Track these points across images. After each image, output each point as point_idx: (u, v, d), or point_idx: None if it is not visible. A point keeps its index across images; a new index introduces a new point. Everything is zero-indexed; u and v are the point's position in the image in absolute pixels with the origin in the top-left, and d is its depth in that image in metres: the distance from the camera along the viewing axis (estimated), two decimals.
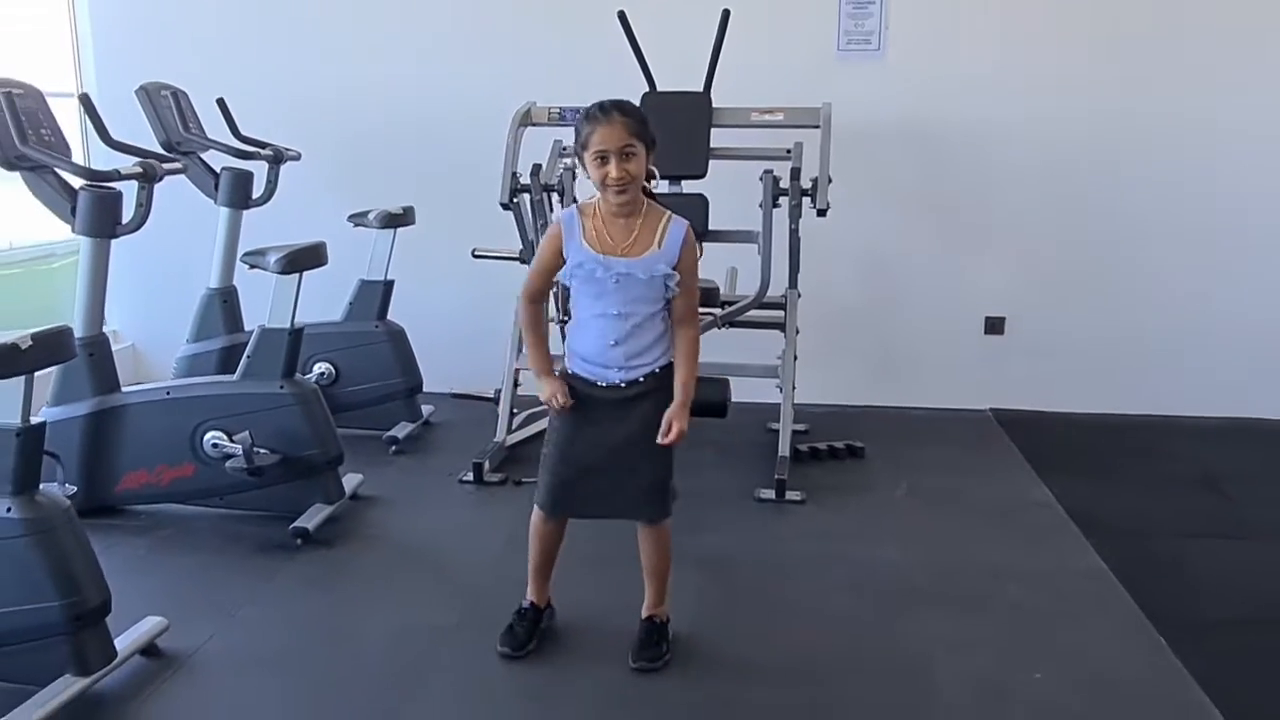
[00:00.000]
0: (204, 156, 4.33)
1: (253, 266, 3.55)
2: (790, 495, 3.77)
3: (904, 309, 4.89)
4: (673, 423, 2.54)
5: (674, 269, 2.48)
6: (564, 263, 2.52)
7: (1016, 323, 4.87)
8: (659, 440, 2.54)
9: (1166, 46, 4.60)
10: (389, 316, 4.43)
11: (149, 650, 2.67)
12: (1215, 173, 4.68)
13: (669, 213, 2.54)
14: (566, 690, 2.59)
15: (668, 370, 2.58)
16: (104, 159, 3.92)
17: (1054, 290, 4.82)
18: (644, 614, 2.75)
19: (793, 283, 4.20)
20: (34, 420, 2.40)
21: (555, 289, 4.15)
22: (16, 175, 3.35)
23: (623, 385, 2.56)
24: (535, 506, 2.71)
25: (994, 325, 4.88)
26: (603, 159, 2.41)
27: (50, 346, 2.37)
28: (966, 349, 4.89)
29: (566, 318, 4.23)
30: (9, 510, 2.36)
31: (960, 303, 4.86)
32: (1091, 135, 4.69)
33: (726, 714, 2.50)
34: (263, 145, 4.38)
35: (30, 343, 2.30)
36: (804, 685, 2.60)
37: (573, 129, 4.30)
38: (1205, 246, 4.72)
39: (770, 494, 3.78)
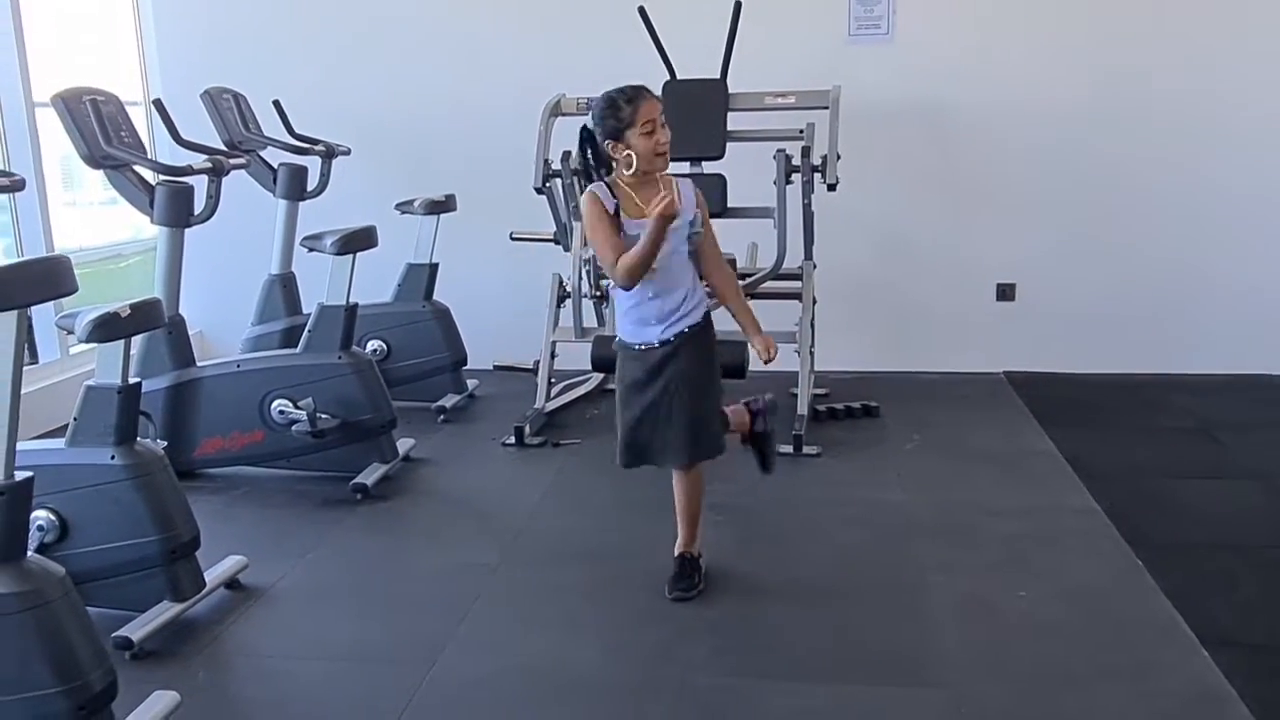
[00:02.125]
0: (263, 154, 4.72)
1: (311, 249, 3.91)
2: (807, 449, 4.07)
3: (918, 279, 5.15)
4: (758, 339, 2.90)
5: (695, 209, 2.84)
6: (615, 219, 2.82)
7: (1027, 289, 5.12)
8: (765, 361, 2.88)
9: (1169, 21, 4.83)
10: (435, 297, 4.78)
11: (232, 584, 3.05)
12: (1213, 144, 4.89)
13: (671, 176, 2.87)
14: (596, 613, 2.93)
15: (701, 325, 2.89)
16: (171, 159, 4.30)
17: (1062, 257, 5.06)
18: (677, 550, 3.06)
19: (808, 254, 4.48)
20: (131, 380, 2.78)
21: (587, 267, 4.51)
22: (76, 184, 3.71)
23: (657, 345, 2.87)
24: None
25: (1005, 292, 5.13)
26: (651, 129, 2.76)
27: (145, 315, 2.73)
28: (980, 315, 5.15)
29: (599, 293, 4.58)
30: (113, 458, 2.73)
31: (972, 271, 5.12)
32: (1094, 107, 4.92)
33: (740, 627, 2.81)
34: (316, 142, 4.76)
35: (129, 312, 2.67)
36: (811, 603, 2.92)
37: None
38: (1205, 214, 4.94)
39: (788, 448, 4.07)
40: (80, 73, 3.99)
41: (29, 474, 2.18)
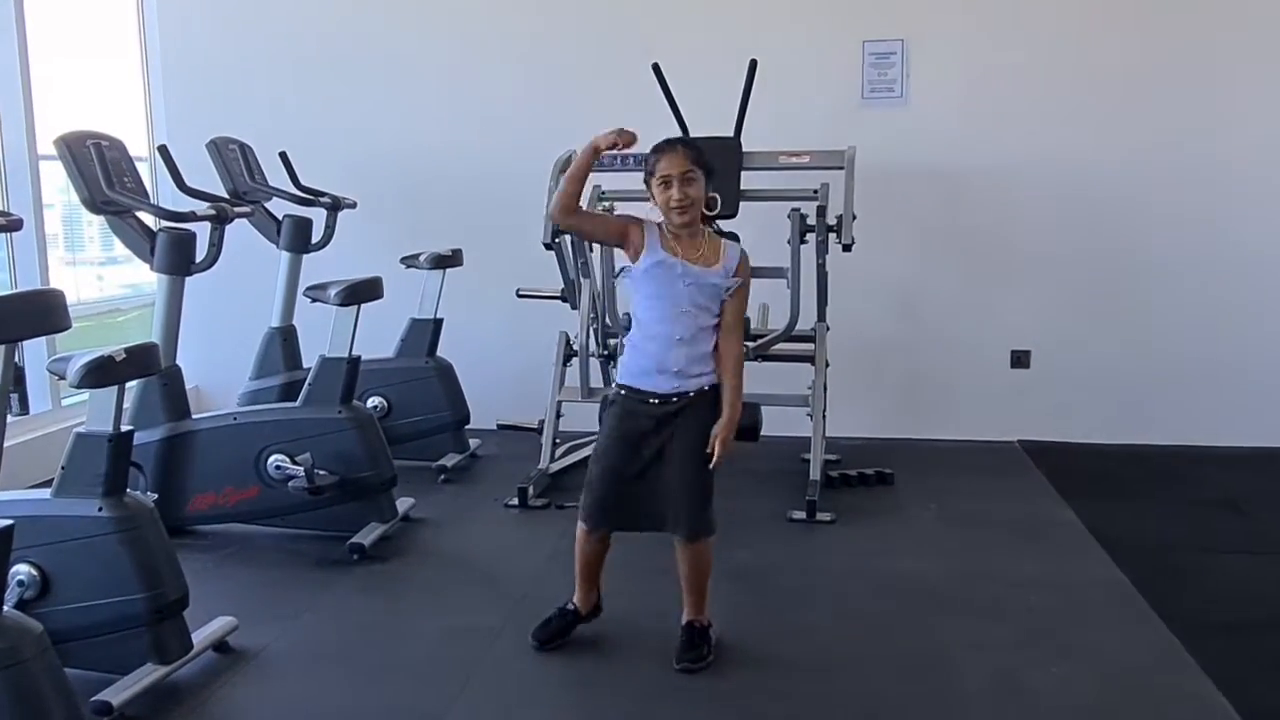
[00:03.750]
0: (268, 206, 4.65)
1: (314, 300, 3.81)
2: (821, 516, 3.93)
3: (931, 344, 5.06)
4: (719, 436, 2.74)
5: (732, 278, 2.77)
6: (629, 241, 2.78)
7: (1043, 356, 5.02)
8: (709, 452, 2.73)
9: (1190, 83, 4.81)
10: (438, 353, 4.68)
11: (220, 646, 2.88)
12: (1236, 208, 4.85)
13: (725, 240, 2.84)
14: (605, 685, 2.76)
15: (711, 392, 2.78)
16: (174, 207, 4.22)
17: (1079, 324, 4.97)
18: (684, 619, 2.90)
19: (821, 315, 4.39)
20: (124, 429, 2.65)
21: (595, 324, 4.41)
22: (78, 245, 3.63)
23: (672, 398, 2.76)
24: (580, 521, 2.90)
25: (1020, 359, 5.03)
26: (666, 183, 2.72)
27: (141, 360, 2.63)
28: (994, 382, 5.05)
29: (606, 352, 4.48)
30: (100, 510, 2.60)
31: (987, 337, 5.03)
32: (1113, 170, 4.88)
33: (756, 702, 2.65)
34: (321, 194, 4.69)
35: (124, 356, 2.56)
36: (829, 676, 2.76)
37: (610, 173, 4.64)
38: (1227, 280, 4.87)
39: (801, 514, 3.94)
40: (86, 122, 3.94)
41: (9, 523, 2.03)
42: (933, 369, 5.08)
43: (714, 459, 2.74)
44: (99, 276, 6.43)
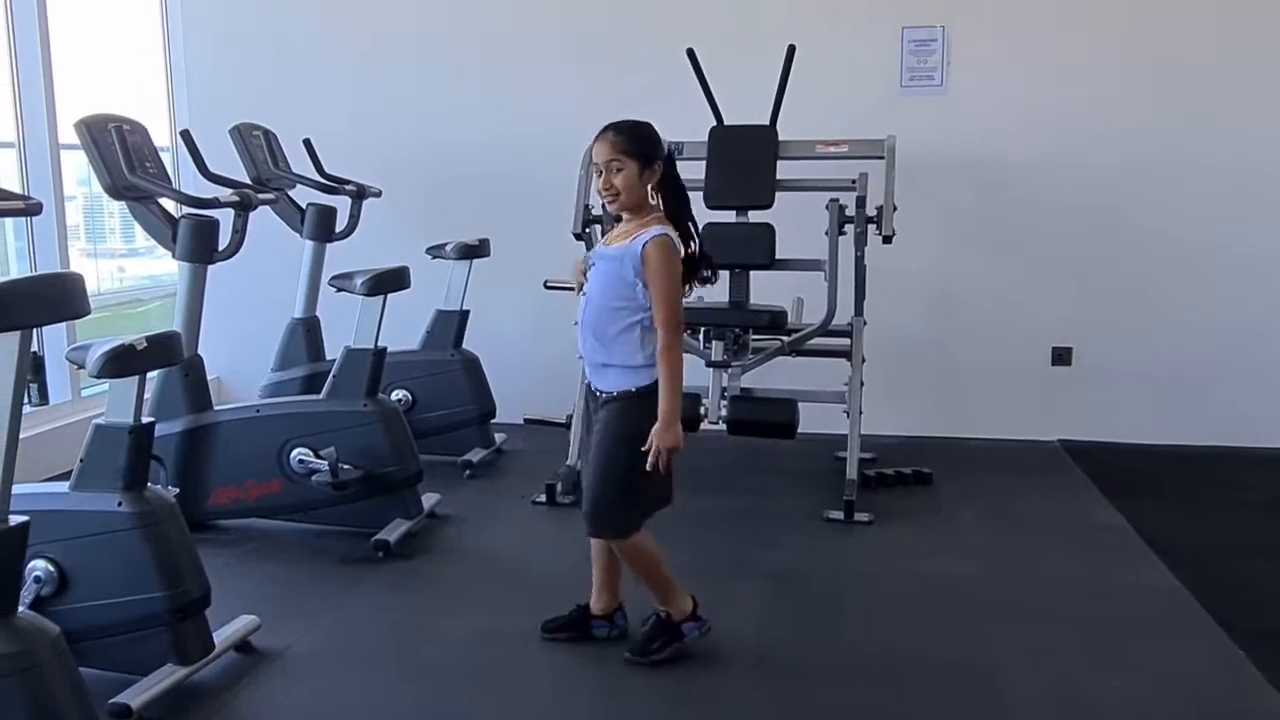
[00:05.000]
0: (291, 194, 4.55)
1: (340, 289, 3.71)
2: (858, 516, 3.80)
3: (970, 340, 4.92)
4: (653, 438, 2.56)
5: (638, 271, 2.56)
6: None
7: (1084, 354, 4.88)
8: (648, 463, 2.56)
9: (1232, 77, 4.65)
10: (464, 345, 4.57)
11: (243, 646, 2.78)
12: None
13: (659, 222, 2.62)
14: (637, 688, 2.65)
15: (625, 397, 2.63)
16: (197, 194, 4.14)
17: (1121, 321, 4.82)
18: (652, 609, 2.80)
19: (858, 310, 4.26)
20: (144, 420, 2.55)
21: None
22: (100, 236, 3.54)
23: (598, 393, 2.70)
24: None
25: (1061, 356, 4.89)
26: (597, 170, 2.64)
27: (163, 350, 2.53)
28: (1034, 380, 4.90)
29: None
30: (120, 504, 2.50)
31: (1026, 334, 4.88)
32: (1158, 165, 4.72)
33: (794, 711, 2.53)
34: (346, 182, 4.59)
35: (145, 345, 2.46)
36: (872, 685, 2.64)
37: None
38: (1276, 276, 4.70)
39: (838, 515, 3.81)
40: (108, 107, 3.87)
41: (24, 519, 1.93)
42: (971, 366, 4.93)
43: (651, 459, 2.57)
44: (120, 268, 6.39)
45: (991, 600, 3.14)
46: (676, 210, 2.69)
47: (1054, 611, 3.06)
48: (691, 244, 2.68)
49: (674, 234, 2.62)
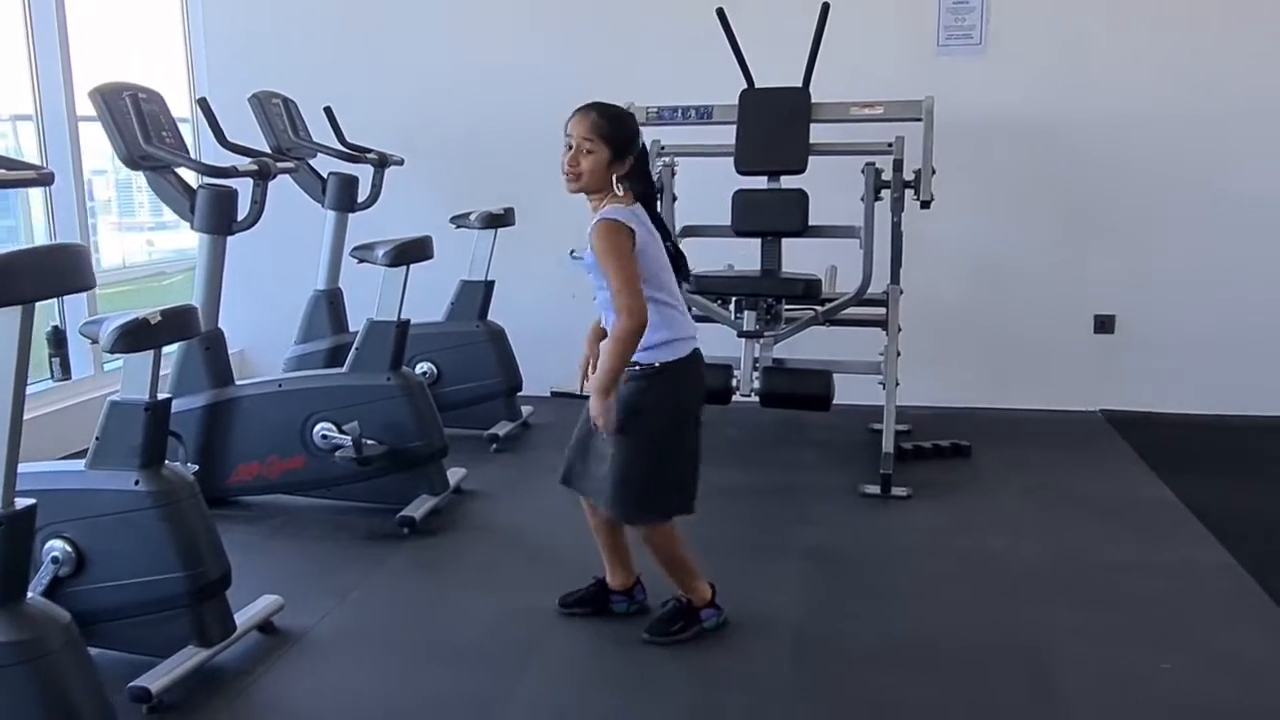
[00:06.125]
0: (312, 163, 4.46)
1: (361, 260, 3.62)
2: (896, 490, 3.69)
3: (1009, 307, 4.77)
4: (596, 411, 2.50)
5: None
6: None
7: (1128, 321, 4.72)
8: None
9: None
10: (490, 316, 4.47)
11: (265, 627, 2.72)
12: None
13: (609, 205, 2.52)
14: (670, 670, 2.56)
15: (644, 375, 2.54)
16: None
17: (1167, 287, 4.66)
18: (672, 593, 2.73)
19: (895, 278, 4.12)
20: (160, 397, 2.48)
21: None
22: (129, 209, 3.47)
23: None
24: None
25: (1104, 324, 4.73)
26: (568, 145, 2.50)
27: (178, 324, 2.45)
28: (1075, 348, 4.76)
29: None
30: (137, 483, 2.43)
31: (1068, 300, 4.73)
32: (1206, 124, 4.54)
33: (839, 696, 2.44)
34: (367, 150, 4.49)
35: (159, 319, 2.38)
36: (913, 667, 2.54)
37: (670, 126, 4.38)
38: None
39: (875, 489, 3.70)
40: (126, 77, 3.79)
41: (31, 502, 1.85)
42: (1010, 334, 4.79)
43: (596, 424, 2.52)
44: (149, 241, 6.35)
45: (1036, 578, 3.03)
46: (648, 203, 2.59)
47: (1102, 590, 2.94)
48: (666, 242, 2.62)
49: (626, 214, 2.48)
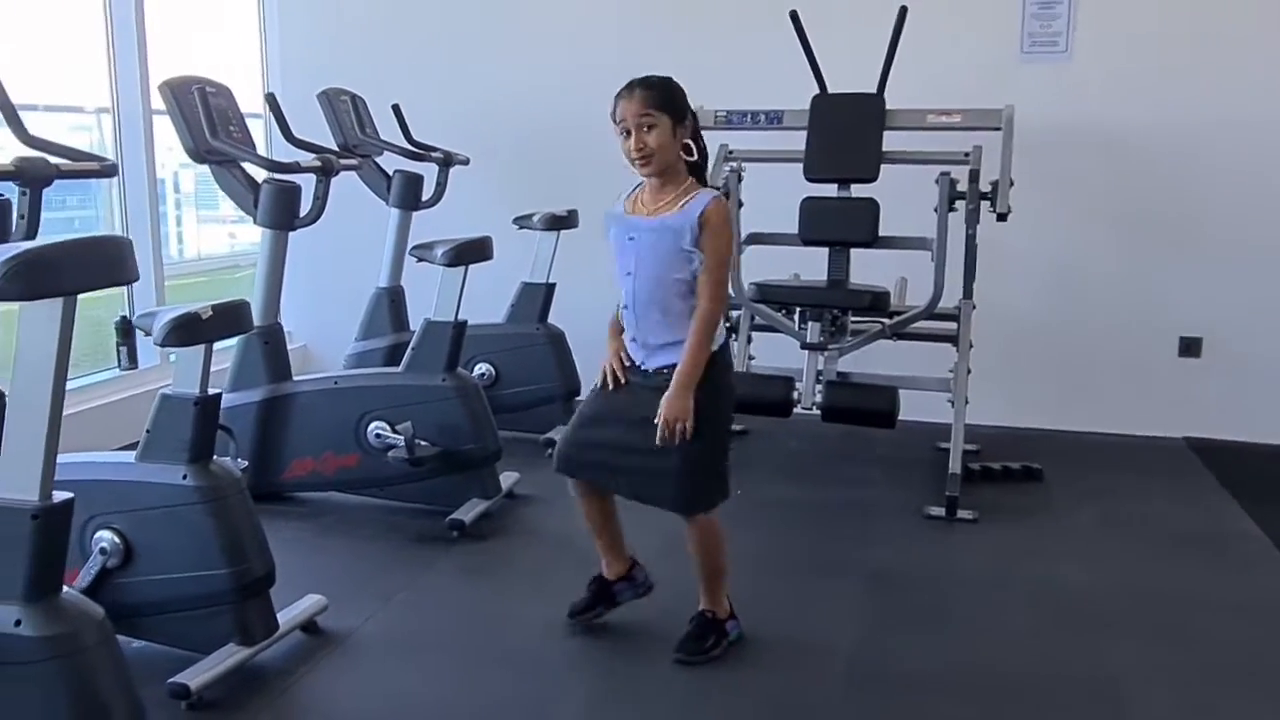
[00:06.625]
0: (379, 160, 4.46)
1: (420, 259, 3.59)
2: (962, 513, 3.55)
3: (1088, 326, 4.58)
4: (664, 402, 2.40)
5: (696, 231, 2.39)
6: None
7: (1215, 344, 4.49)
8: (659, 438, 2.42)
9: None
10: (550, 319, 4.42)
11: (309, 627, 2.68)
12: None
13: (706, 188, 2.48)
14: (723, 688, 2.47)
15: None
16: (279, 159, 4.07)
17: (1259, 310, 4.42)
18: (699, 606, 2.63)
19: (967, 293, 3.97)
20: (210, 392, 2.46)
21: None
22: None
23: (649, 371, 2.50)
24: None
25: (1190, 347, 4.51)
26: (625, 132, 2.42)
27: (230, 319, 2.42)
28: (1158, 372, 4.54)
29: (728, 324, 4.18)
30: (184, 477, 2.41)
31: (1151, 321, 4.52)
32: None
33: None
34: (433, 149, 4.48)
35: (210, 313, 2.35)
36: (977, 701, 2.41)
37: (738, 130, 4.29)
38: None
39: (940, 511, 3.56)
40: (199, 69, 3.83)
41: (69, 495, 1.82)
42: (1088, 354, 4.59)
43: (664, 431, 2.41)
44: (231, 234, 6.45)
45: (1110, 612, 2.87)
46: (699, 173, 2.51)
47: (1181, 627, 2.78)
48: None
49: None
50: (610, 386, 2.56)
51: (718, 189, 2.51)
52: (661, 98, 2.41)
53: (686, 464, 2.47)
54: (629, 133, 2.41)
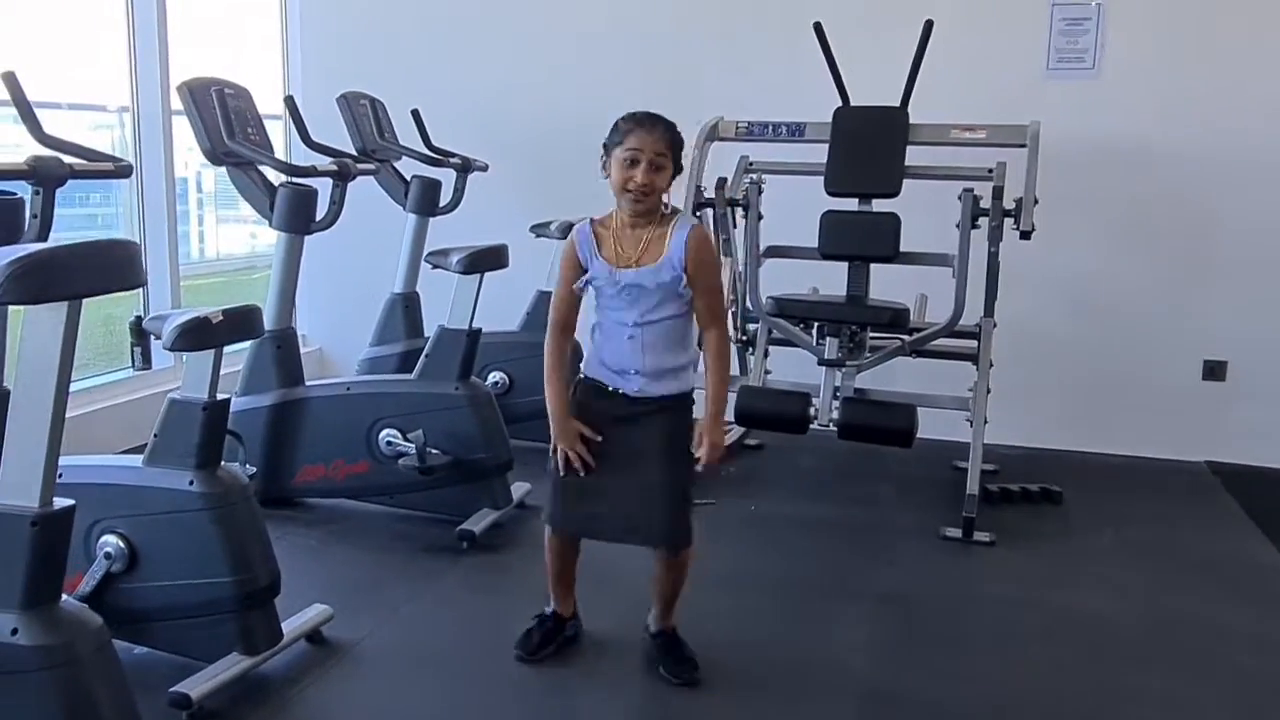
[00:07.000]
0: (396, 165, 4.43)
1: (435, 266, 3.56)
2: (979, 535, 3.49)
3: (1111, 347, 4.51)
4: (704, 434, 2.41)
5: (684, 271, 2.36)
6: (578, 274, 2.47)
7: (1241, 368, 4.42)
8: (695, 454, 2.42)
9: None
10: None
11: (313, 637, 2.65)
12: None
13: (681, 215, 2.44)
14: (741, 713, 2.42)
15: (678, 400, 2.45)
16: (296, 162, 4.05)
17: None
18: (658, 627, 2.61)
19: (988, 310, 3.91)
20: (219, 397, 2.43)
21: (733, 308, 4.06)
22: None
23: (636, 398, 2.43)
24: (546, 524, 2.60)
25: (1214, 370, 4.44)
26: (632, 161, 2.34)
27: (240, 323, 2.39)
28: (1181, 395, 4.47)
29: (744, 337, 4.14)
30: (191, 483, 2.38)
31: (1175, 344, 4.45)
32: None
33: None
34: (451, 155, 4.45)
35: (220, 318, 2.33)
36: None
37: (758, 142, 4.24)
38: None
39: (957, 532, 3.51)
40: (219, 71, 3.83)
41: (70, 503, 1.79)
42: (1109, 375, 4.52)
43: (703, 454, 2.42)
44: (252, 235, 6.45)
45: (1132, 642, 2.81)
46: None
47: (1204, 661, 2.71)
48: None
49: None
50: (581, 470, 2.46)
51: (678, 210, 2.45)
52: (676, 142, 2.39)
53: (677, 498, 2.45)
54: (635, 163, 2.34)
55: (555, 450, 2.49)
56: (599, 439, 2.44)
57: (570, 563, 2.66)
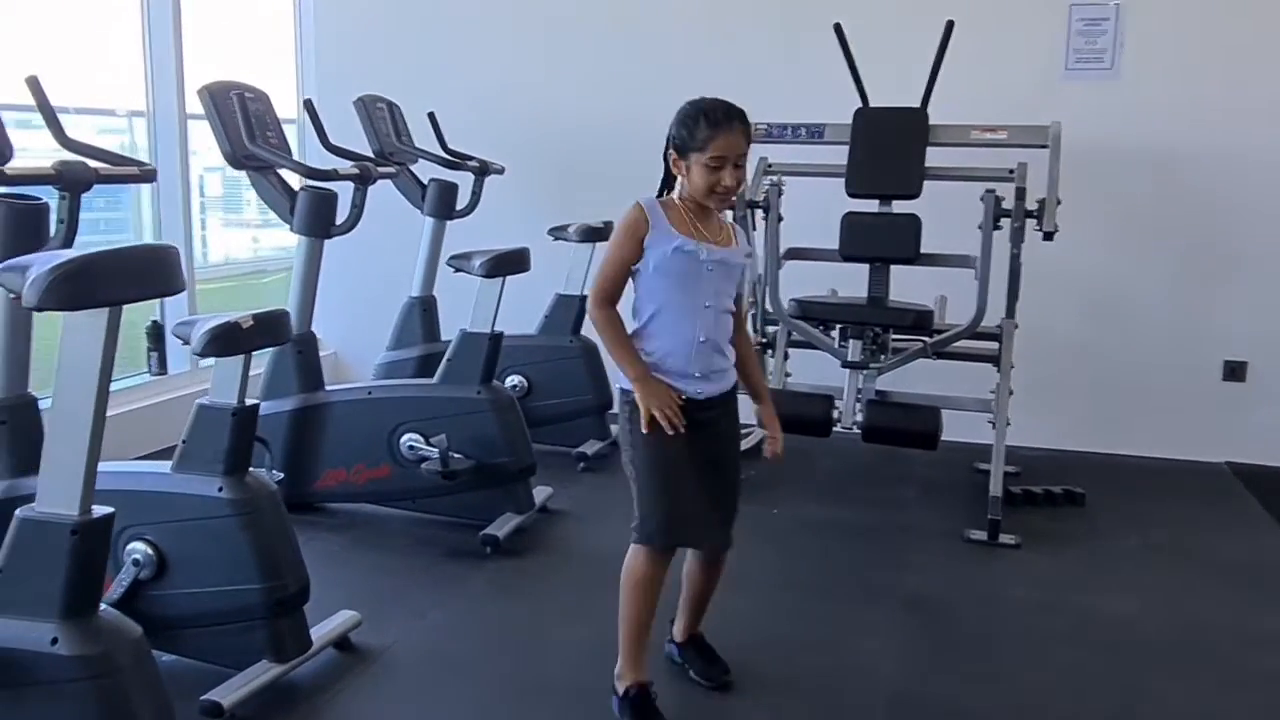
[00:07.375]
0: (413, 169, 4.42)
1: (458, 270, 3.55)
2: (1004, 538, 3.47)
3: (1132, 348, 4.50)
4: (769, 425, 2.45)
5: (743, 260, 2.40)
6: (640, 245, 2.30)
7: (1261, 369, 4.40)
8: (768, 454, 2.45)
9: None
10: (583, 332, 4.37)
11: (342, 644, 2.64)
12: None
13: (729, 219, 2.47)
14: (769, 716, 2.41)
15: (732, 394, 2.42)
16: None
17: None
18: (688, 634, 2.62)
19: (1010, 312, 3.90)
20: (248, 403, 2.42)
21: (754, 310, 4.05)
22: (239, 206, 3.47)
23: (700, 400, 2.31)
24: (638, 546, 2.35)
25: (1235, 371, 4.43)
26: (718, 165, 2.23)
27: (269, 328, 2.39)
28: (1202, 396, 4.45)
29: (764, 340, 4.12)
30: (220, 490, 2.37)
31: (1196, 344, 4.44)
32: None
33: None
34: (469, 158, 4.44)
35: (251, 323, 2.32)
36: None
37: (777, 144, 4.22)
38: None
39: (981, 535, 3.49)
40: (236, 77, 3.81)
41: (109, 510, 1.78)
42: (1131, 376, 4.51)
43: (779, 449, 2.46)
44: (254, 239, 6.45)
45: (1157, 645, 2.79)
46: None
47: (1231, 665, 2.69)
48: None
49: None
50: (671, 433, 2.27)
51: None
52: (750, 134, 2.32)
53: (735, 497, 2.43)
54: (720, 166, 2.23)
55: (642, 423, 2.25)
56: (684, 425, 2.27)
57: (657, 598, 2.40)
